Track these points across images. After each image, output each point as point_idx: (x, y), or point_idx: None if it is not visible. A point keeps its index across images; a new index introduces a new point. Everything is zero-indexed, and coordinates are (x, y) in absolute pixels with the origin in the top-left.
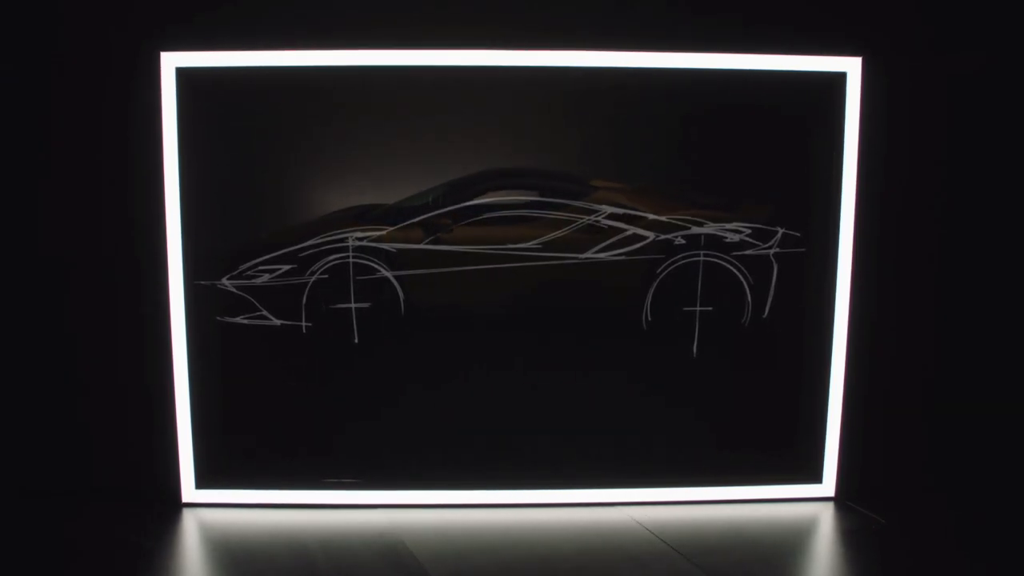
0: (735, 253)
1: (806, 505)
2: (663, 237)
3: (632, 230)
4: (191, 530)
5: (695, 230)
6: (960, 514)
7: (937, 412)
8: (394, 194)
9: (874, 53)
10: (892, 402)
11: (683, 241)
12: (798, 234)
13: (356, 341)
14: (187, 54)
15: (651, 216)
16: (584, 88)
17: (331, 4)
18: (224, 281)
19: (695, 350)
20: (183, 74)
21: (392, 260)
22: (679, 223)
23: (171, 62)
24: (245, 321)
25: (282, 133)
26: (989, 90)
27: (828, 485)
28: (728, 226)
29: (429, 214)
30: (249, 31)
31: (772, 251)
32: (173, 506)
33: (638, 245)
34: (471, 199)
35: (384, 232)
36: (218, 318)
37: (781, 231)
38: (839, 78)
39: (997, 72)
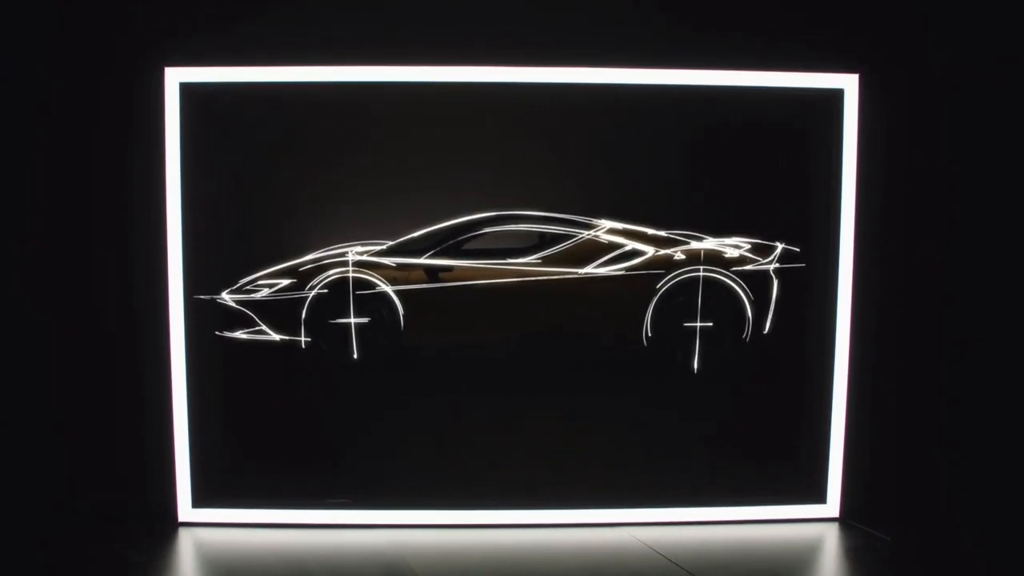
0: (735, 269)
1: (810, 526)
2: (662, 252)
3: (632, 245)
4: (187, 550)
5: (695, 245)
6: (971, 532)
7: (944, 428)
8: (397, 214)
9: (870, 69)
10: (897, 420)
11: (683, 256)
12: (797, 249)
13: (356, 356)
14: (191, 69)
15: (651, 232)
16: (578, 104)
17: (335, 21)
18: (224, 295)
19: (696, 366)
20: (187, 89)
21: (392, 275)
22: (679, 238)
23: (175, 77)
24: (244, 336)
25: (284, 148)
26: (985, 103)
27: (832, 505)
28: (728, 241)
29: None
30: (254, 46)
31: (772, 266)
32: (169, 525)
33: (637, 260)
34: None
35: (385, 246)
36: (217, 333)
37: (781, 246)
38: (837, 94)
39: (994, 85)
